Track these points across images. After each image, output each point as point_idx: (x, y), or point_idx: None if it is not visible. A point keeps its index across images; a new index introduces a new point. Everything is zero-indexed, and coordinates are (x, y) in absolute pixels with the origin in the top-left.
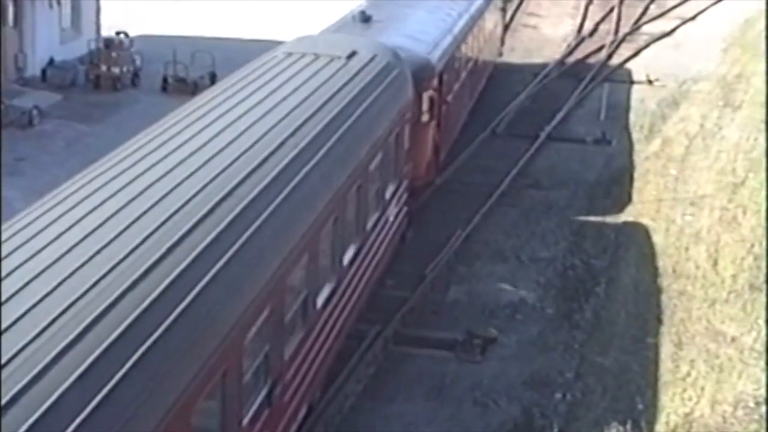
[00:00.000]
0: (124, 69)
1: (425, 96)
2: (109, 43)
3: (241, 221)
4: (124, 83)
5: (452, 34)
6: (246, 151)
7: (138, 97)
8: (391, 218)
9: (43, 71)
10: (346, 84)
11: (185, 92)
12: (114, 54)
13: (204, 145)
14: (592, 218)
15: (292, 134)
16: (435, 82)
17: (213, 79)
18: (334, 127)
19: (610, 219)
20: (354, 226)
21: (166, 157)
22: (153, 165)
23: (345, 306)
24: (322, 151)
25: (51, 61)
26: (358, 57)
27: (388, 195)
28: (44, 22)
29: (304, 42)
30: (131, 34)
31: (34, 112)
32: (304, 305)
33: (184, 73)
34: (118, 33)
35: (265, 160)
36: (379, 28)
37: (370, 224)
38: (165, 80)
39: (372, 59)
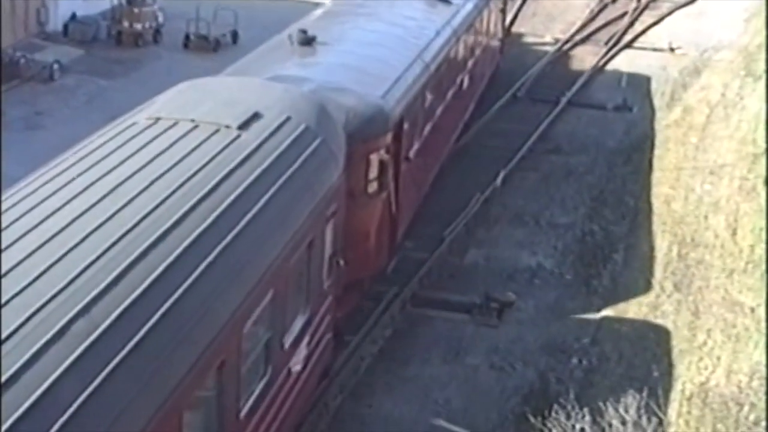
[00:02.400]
0: (146, 25)
1: (374, 159)
2: None
3: None
4: (145, 40)
5: (424, 59)
6: None
7: (159, 53)
8: (298, 368)
9: (65, 26)
10: (223, 181)
11: (206, 50)
12: (136, 10)
13: None
14: (611, 185)
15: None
16: (389, 137)
17: (235, 38)
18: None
19: (629, 186)
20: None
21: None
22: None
23: None
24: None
25: (73, 16)
26: (260, 124)
27: (292, 337)
28: None
29: (184, 98)
30: None
31: (55, 66)
32: None
33: (206, 30)
34: None
35: None
36: (319, 56)
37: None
38: (187, 37)
39: (281, 126)
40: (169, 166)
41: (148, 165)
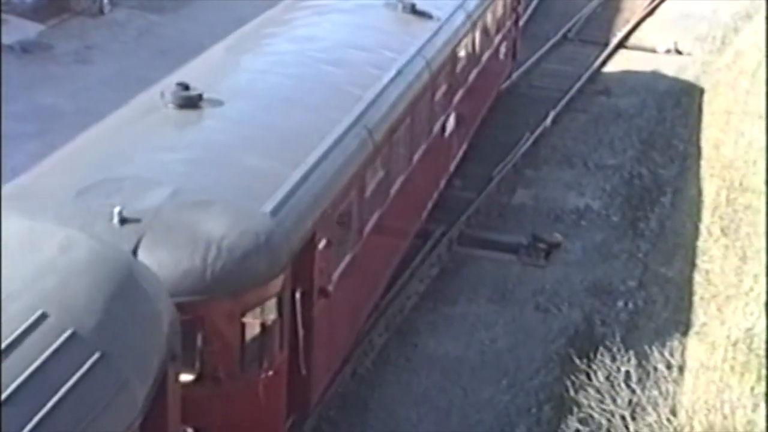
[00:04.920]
0: None
1: (252, 323)
2: None
3: None
4: None
5: (366, 125)
6: None
7: None
8: None
9: None
10: None
11: None
12: None
13: None
14: (660, 128)
15: None
16: (279, 282)
17: None
18: None
19: (679, 129)
20: None
21: None
22: None
23: None
24: None
25: None
26: None
27: None
28: None
29: None
30: None
31: (105, 0)
32: None
33: None
34: None
35: None
36: (196, 131)
37: None
38: None
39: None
40: None
41: None
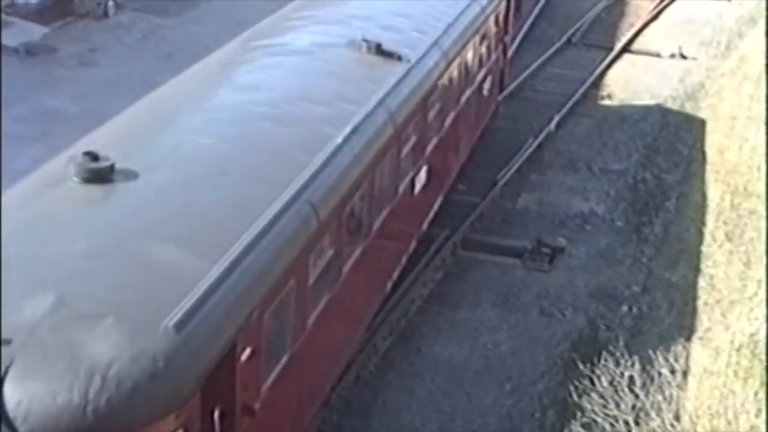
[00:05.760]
0: None
1: None
2: None
3: None
4: None
5: (311, 200)
6: None
7: None
8: None
9: None
10: None
11: None
12: None
13: None
14: (664, 133)
15: None
16: (183, 415)
17: None
18: None
19: (683, 134)
20: None
21: None
22: None
23: None
24: None
25: None
26: None
27: None
28: None
29: None
30: None
31: (110, 3)
32: None
33: None
34: None
35: None
36: (99, 213)
37: None
38: None
39: None
40: None
41: None
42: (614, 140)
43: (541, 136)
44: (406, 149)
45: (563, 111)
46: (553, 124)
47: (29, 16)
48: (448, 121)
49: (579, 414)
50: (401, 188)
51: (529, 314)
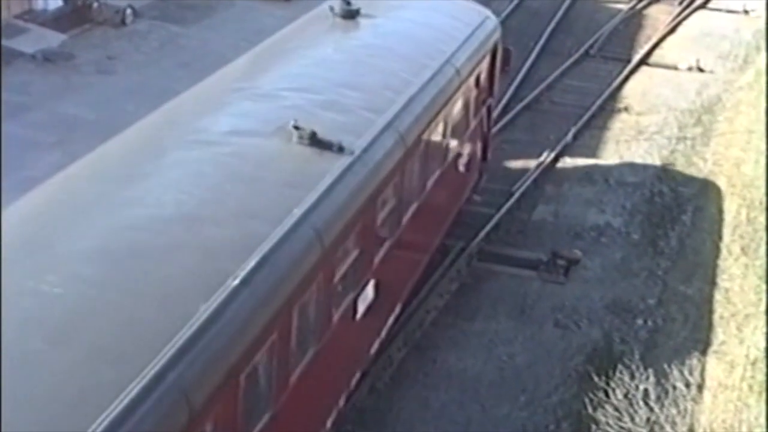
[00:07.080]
0: None
1: None
2: None
3: None
4: None
5: (181, 384)
6: None
7: (233, 0)
8: None
9: None
10: None
11: None
12: None
13: None
14: (681, 146)
15: None
16: None
17: None
18: None
19: (699, 147)
20: None
21: None
22: None
23: None
24: None
25: None
26: None
27: None
28: None
29: None
30: None
31: (128, 11)
32: None
33: None
34: None
35: None
36: None
37: None
38: None
39: None
40: None
41: None
42: (631, 153)
43: (558, 148)
44: (340, 272)
45: (580, 123)
46: (570, 136)
47: (47, 23)
48: (406, 218)
49: (593, 427)
50: (335, 318)
51: (544, 326)
